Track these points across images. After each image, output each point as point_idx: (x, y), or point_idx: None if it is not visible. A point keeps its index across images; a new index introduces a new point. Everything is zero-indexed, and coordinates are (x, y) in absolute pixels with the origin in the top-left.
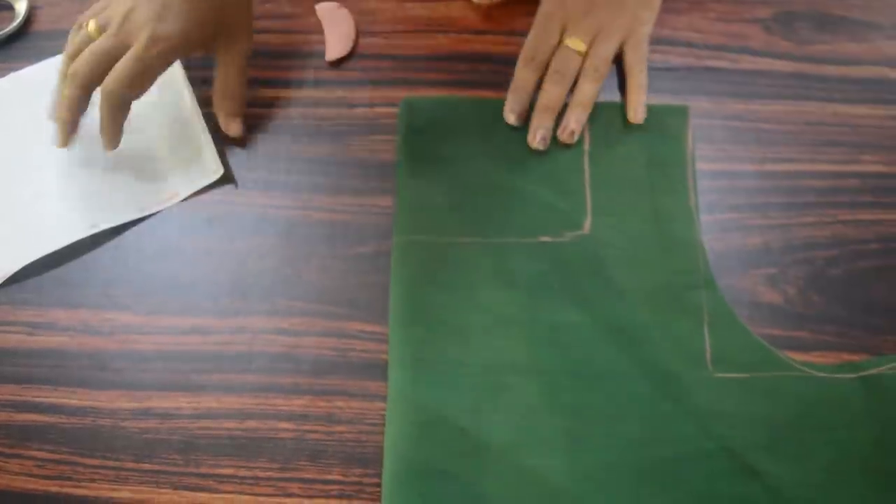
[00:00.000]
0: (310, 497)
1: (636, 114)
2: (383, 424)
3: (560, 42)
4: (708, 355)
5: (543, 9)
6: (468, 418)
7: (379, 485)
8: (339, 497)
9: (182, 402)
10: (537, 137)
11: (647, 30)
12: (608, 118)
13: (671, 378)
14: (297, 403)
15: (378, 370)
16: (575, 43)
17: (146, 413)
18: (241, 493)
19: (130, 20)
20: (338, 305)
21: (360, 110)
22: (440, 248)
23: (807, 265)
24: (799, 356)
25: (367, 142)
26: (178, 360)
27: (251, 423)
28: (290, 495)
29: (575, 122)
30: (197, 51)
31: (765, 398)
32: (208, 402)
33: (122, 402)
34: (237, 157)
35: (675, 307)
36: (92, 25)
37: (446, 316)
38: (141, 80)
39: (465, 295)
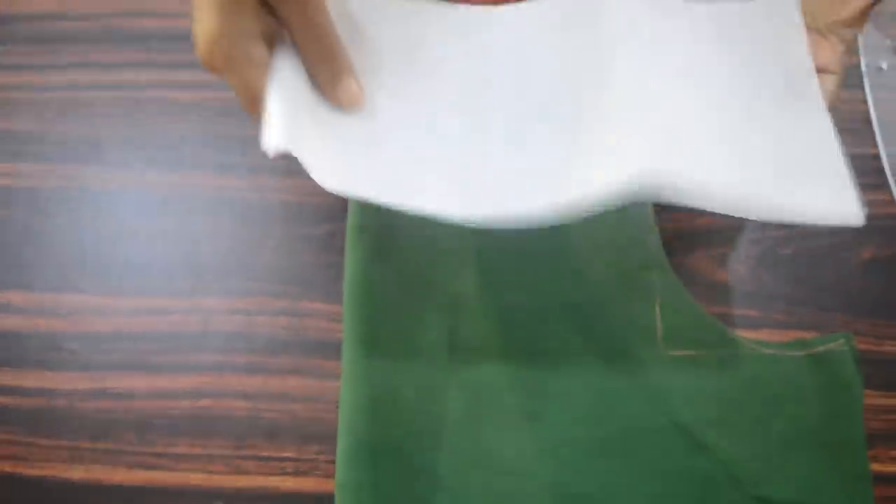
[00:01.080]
0: (264, 474)
1: None
2: (338, 402)
3: None
4: (659, 333)
5: None
6: (422, 396)
7: (334, 462)
8: (294, 474)
9: (138, 383)
10: None
11: None
12: None
13: (623, 356)
14: (252, 382)
15: (332, 349)
16: None
17: (102, 393)
18: (195, 471)
19: None
20: (292, 285)
21: None
22: (393, 227)
23: (758, 245)
24: (749, 334)
25: None
26: (134, 341)
27: (206, 402)
28: (244, 473)
29: None
30: None
31: (715, 375)
32: (164, 381)
33: (78, 382)
34: (189, 142)
35: (627, 286)
36: None
37: (399, 294)
38: None
39: (417, 274)
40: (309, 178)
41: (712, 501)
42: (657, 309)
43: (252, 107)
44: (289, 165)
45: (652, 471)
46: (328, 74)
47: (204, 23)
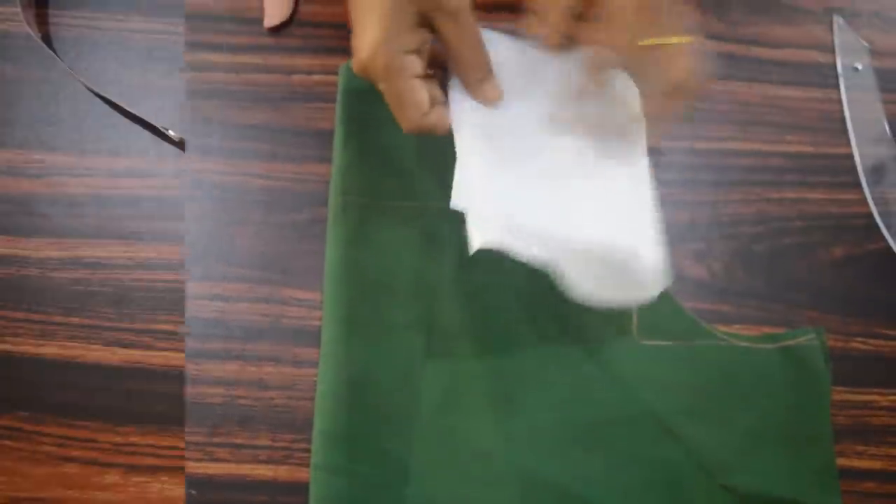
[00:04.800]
0: (238, 462)
1: None
2: (313, 391)
3: None
4: (635, 323)
5: None
6: (398, 380)
7: (308, 451)
8: (268, 462)
9: (114, 251)
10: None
11: None
12: None
13: (599, 345)
14: (228, 369)
15: (309, 337)
16: None
17: (76, 262)
18: (178, 350)
19: None
20: (271, 272)
21: (297, 77)
22: (374, 210)
23: (733, 241)
24: (722, 328)
25: (305, 110)
26: (110, 205)
27: (184, 388)
28: (218, 460)
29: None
30: None
31: (688, 365)
32: (143, 251)
33: (49, 250)
34: (173, 122)
35: None
36: None
37: (378, 277)
38: None
39: (396, 258)
40: (291, 163)
41: (680, 490)
42: None
43: (401, 112)
44: (272, 149)
45: (623, 459)
46: (478, 76)
47: (367, 36)
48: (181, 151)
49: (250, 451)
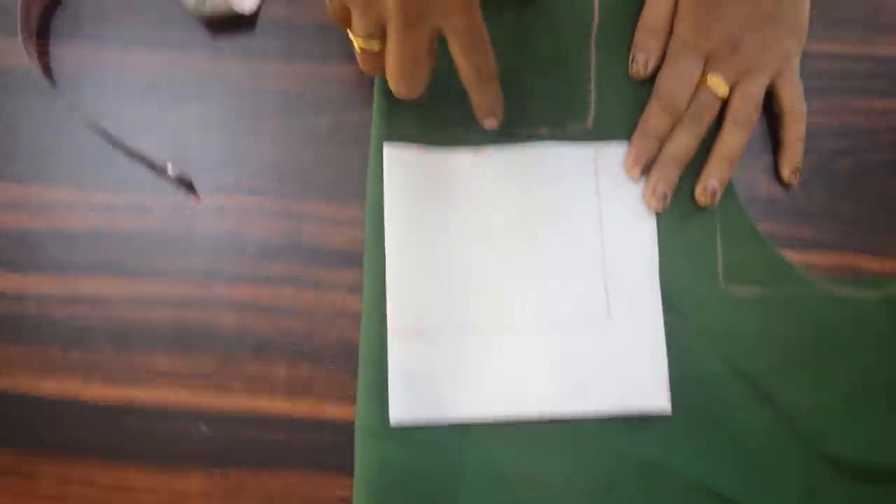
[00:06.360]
0: (251, 393)
1: (792, 175)
2: (335, 316)
3: (700, 81)
4: (720, 268)
5: (681, 37)
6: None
7: (329, 382)
8: (285, 394)
9: (114, 288)
10: (657, 193)
11: (797, 61)
12: None
13: (680, 293)
14: (241, 292)
15: (332, 257)
16: (718, 84)
17: (75, 298)
18: (176, 388)
19: None
20: (289, 183)
21: None
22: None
23: (811, 155)
24: (798, 255)
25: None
26: (111, 241)
27: (190, 313)
28: (229, 390)
29: (719, 179)
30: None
31: (781, 317)
32: (143, 287)
33: (48, 285)
34: (177, 18)
35: (685, 214)
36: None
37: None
38: None
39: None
40: (310, 64)
41: (775, 459)
42: (718, 239)
43: (480, 48)
44: (289, 46)
45: (707, 423)
46: (479, 77)
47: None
48: (181, 187)
49: (266, 383)
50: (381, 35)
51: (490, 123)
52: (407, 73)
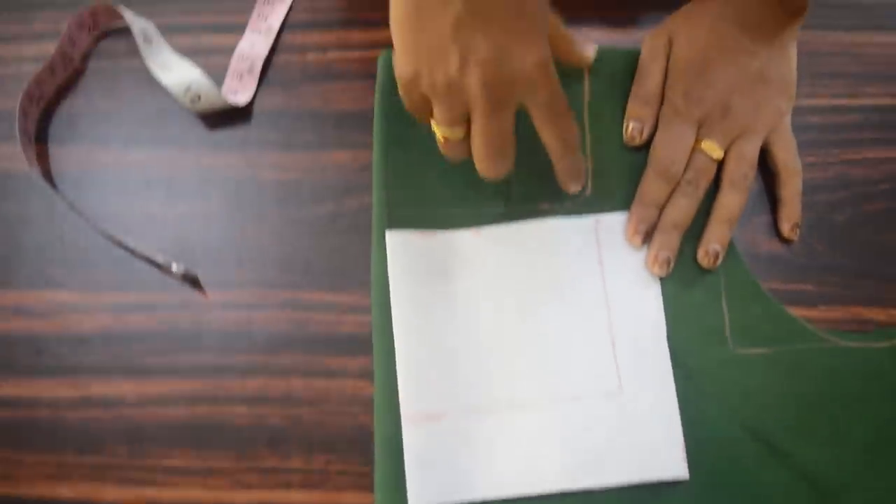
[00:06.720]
0: (269, 488)
1: (792, 231)
2: (347, 404)
3: (694, 146)
4: (727, 329)
5: (673, 104)
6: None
7: (345, 472)
8: (302, 487)
9: (126, 389)
10: (660, 259)
11: (789, 118)
12: (611, 68)
13: (689, 356)
14: (252, 385)
15: (340, 344)
16: (712, 148)
17: (87, 401)
18: (193, 486)
19: None
20: (292, 273)
21: (311, 56)
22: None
23: (809, 209)
24: (803, 311)
25: (321, 91)
26: (120, 342)
27: (202, 409)
28: (247, 487)
29: (720, 242)
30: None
31: (791, 374)
32: (155, 387)
33: (60, 389)
34: (173, 114)
35: (689, 276)
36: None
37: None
38: None
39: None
40: (307, 151)
41: None
42: (723, 300)
43: (562, 118)
44: (285, 136)
45: (726, 484)
46: (565, 146)
47: (529, 40)
48: (186, 283)
49: (282, 476)
50: (465, 122)
51: (574, 189)
52: (496, 155)
